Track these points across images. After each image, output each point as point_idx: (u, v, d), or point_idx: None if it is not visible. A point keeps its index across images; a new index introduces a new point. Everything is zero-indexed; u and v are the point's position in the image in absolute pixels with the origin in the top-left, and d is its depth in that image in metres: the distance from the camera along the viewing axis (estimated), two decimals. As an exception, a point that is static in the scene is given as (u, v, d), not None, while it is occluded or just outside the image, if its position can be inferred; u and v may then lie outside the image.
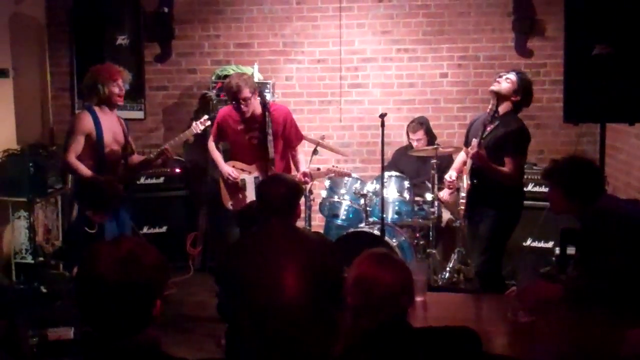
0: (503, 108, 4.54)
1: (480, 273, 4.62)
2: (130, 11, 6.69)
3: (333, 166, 5.58)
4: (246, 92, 4.89)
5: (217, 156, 5.29)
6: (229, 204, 5.21)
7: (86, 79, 4.83)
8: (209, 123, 5.26)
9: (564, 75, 4.50)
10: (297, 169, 5.21)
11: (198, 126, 5.20)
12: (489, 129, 4.54)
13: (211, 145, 5.31)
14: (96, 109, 4.78)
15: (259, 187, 3.37)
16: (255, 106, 5.01)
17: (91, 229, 4.79)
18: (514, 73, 4.60)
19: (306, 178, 5.07)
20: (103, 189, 4.65)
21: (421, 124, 6.21)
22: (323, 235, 5.24)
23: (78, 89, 6.84)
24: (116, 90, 4.78)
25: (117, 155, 4.89)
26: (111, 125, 4.85)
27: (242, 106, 4.93)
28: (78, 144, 4.72)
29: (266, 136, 4.97)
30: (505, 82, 4.54)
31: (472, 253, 4.86)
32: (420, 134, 6.15)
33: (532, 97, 4.66)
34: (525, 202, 4.74)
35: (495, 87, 4.57)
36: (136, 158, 5.09)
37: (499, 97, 4.54)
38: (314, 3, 6.79)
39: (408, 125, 6.28)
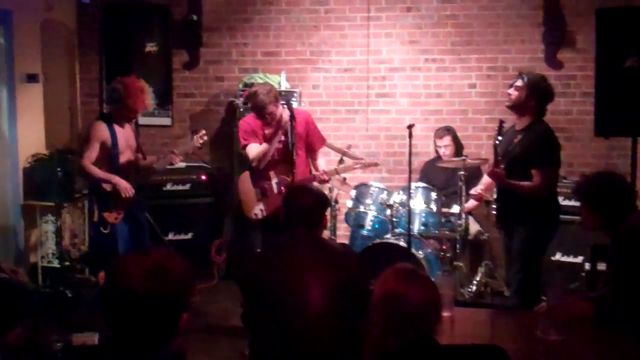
0: (527, 119, 4.42)
1: (518, 292, 4.47)
2: (160, 19, 6.72)
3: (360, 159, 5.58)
4: (271, 108, 4.92)
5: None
6: (253, 214, 5.20)
7: (115, 91, 4.94)
8: (206, 138, 5.31)
9: (595, 88, 4.45)
10: (317, 169, 5.21)
11: (198, 140, 5.28)
12: (515, 141, 4.45)
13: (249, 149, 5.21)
14: (112, 117, 5.01)
15: (286, 198, 3.34)
16: (280, 111, 5.03)
17: (105, 229, 4.90)
18: (520, 77, 4.44)
19: (324, 176, 5.11)
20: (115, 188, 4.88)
21: (448, 130, 6.19)
22: (349, 246, 5.21)
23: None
24: (138, 116, 5.18)
25: (130, 161, 5.10)
26: (124, 132, 5.06)
27: (269, 118, 4.97)
28: (93, 151, 4.89)
29: (291, 139, 4.98)
30: (514, 91, 4.41)
31: (507, 267, 4.75)
32: (447, 139, 6.13)
33: (550, 91, 4.44)
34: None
35: (507, 102, 4.47)
36: (147, 161, 5.27)
37: (516, 109, 4.44)
38: (342, 12, 6.78)
39: (435, 133, 6.25)
